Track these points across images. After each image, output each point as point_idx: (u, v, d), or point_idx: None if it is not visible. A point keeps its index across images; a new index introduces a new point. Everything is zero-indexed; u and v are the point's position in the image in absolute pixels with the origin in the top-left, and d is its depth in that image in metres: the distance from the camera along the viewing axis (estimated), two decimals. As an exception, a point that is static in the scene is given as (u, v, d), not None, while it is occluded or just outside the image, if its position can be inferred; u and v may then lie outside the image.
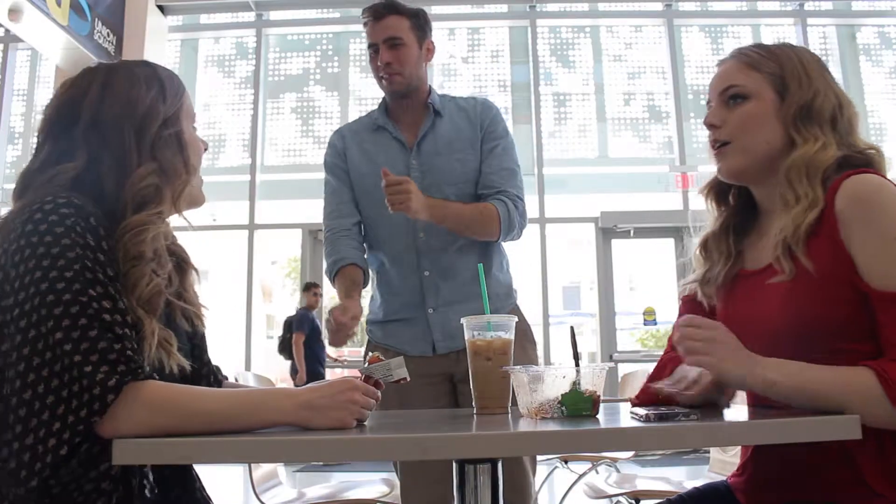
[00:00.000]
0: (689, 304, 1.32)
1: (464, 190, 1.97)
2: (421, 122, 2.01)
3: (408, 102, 2.01)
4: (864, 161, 1.11)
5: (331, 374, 6.59)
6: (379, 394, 1.14)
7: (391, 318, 1.97)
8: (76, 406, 0.93)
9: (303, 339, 6.28)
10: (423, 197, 1.81)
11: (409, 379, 1.25)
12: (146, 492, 1.07)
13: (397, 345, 1.93)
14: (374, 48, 1.97)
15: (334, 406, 1.00)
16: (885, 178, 1.05)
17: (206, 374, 1.26)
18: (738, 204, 1.25)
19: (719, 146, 1.18)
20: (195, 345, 1.24)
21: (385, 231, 1.97)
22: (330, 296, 6.58)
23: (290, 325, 6.49)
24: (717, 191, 1.27)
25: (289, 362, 6.52)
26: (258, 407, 1.00)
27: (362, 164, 2.01)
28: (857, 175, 1.04)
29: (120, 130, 1.09)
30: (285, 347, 6.49)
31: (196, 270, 1.24)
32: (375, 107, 2.08)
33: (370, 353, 1.27)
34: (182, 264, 1.20)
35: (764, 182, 1.17)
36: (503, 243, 2.03)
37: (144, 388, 0.95)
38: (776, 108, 1.14)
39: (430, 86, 2.06)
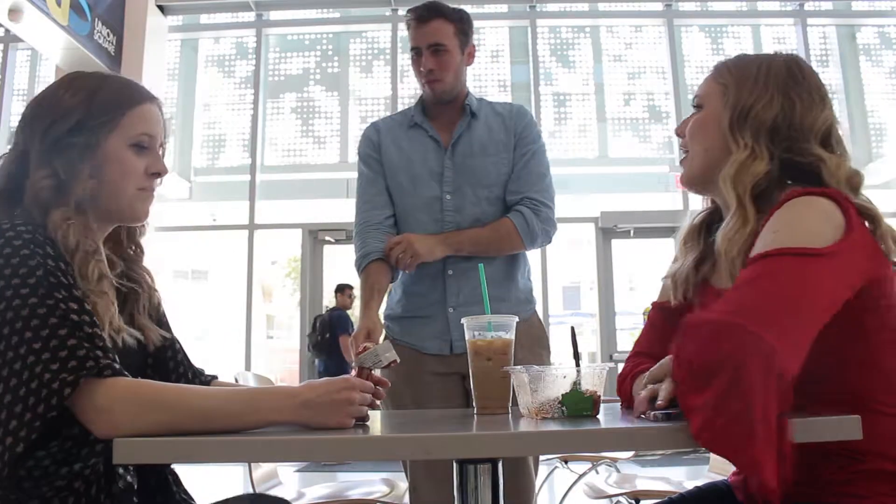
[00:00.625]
0: (659, 311, 1.32)
1: (495, 192, 1.97)
2: (456, 122, 2.01)
3: (446, 104, 2.01)
4: (804, 171, 1.09)
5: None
6: (381, 390, 1.14)
7: (411, 314, 1.97)
8: (33, 403, 0.93)
9: (349, 339, 6.32)
10: (429, 236, 1.88)
11: (399, 360, 1.24)
12: (120, 484, 1.07)
13: (415, 342, 1.94)
14: (416, 51, 1.96)
15: (332, 405, 1.00)
16: (830, 192, 1.00)
17: (182, 373, 1.26)
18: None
19: (684, 152, 1.23)
20: (161, 357, 1.23)
21: (413, 228, 1.97)
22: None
23: (327, 326, 6.50)
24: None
25: (296, 362, 6.52)
26: (257, 406, 1.01)
27: (396, 160, 2.00)
28: (807, 196, 1.00)
29: (32, 128, 1.11)
30: (323, 348, 6.50)
31: (151, 293, 1.24)
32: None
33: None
34: (132, 289, 1.20)
35: (717, 192, 1.18)
36: (524, 253, 2.04)
37: (120, 384, 0.94)
38: (718, 115, 1.15)
39: (467, 88, 2.06)
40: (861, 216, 1.01)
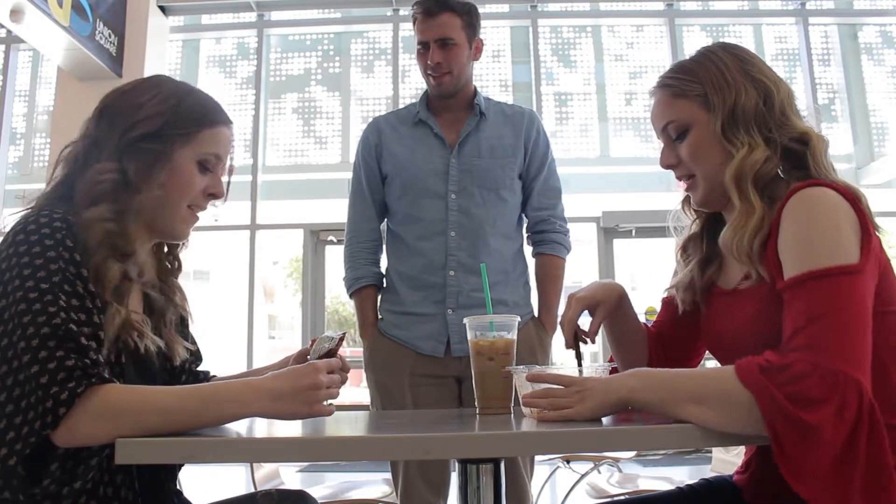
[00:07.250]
0: (669, 307, 1.34)
1: (500, 195, 1.96)
2: (463, 120, 1.98)
3: (451, 100, 1.99)
4: (800, 152, 1.09)
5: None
6: (348, 363, 1.11)
7: (408, 310, 1.95)
8: (32, 417, 0.92)
9: None
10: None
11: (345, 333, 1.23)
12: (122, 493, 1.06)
13: (409, 339, 1.92)
14: (424, 45, 1.93)
15: (299, 393, 0.98)
16: (833, 185, 1.01)
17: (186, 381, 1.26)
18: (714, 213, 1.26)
19: (687, 179, 1.20)
20: (178, 373, 1.23)
21: (419, 227, 1.96)
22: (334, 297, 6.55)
23: None
24: None
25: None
26: (215, 399, 0.97)
27: (400, 158, 1.98)
28: (807, 189, 1.00)
29: (111, 122, 1.11)
30: None
31: (186, 313, 1.26)
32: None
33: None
34: (161, 300, 1.20)
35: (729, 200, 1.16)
36: (524, 256, 2.06)
37: (99, 393, 0.92)
38: (711, 127, 1.13)
39: (474, 85, 2.03)
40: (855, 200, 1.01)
